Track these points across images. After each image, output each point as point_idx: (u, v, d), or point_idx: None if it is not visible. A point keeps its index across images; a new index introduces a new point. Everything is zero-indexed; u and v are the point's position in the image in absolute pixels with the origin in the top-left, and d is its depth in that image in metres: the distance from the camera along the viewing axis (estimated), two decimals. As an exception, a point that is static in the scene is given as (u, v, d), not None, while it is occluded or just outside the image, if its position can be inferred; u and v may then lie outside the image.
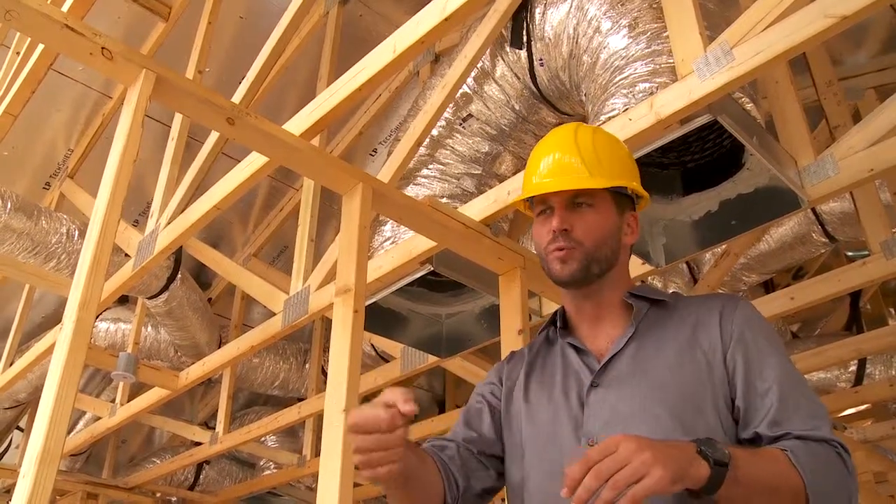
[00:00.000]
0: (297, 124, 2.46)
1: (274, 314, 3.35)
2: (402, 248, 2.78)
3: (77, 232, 3.96)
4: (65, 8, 2.71)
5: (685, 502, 1.04)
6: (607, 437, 1.08)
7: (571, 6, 2.61)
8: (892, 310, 5.30)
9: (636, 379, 1.19)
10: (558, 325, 1.36)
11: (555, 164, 1.31)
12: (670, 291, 1.46)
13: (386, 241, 3.05)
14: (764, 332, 1.22)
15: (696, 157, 2.52)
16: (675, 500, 1.06)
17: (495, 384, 1.40)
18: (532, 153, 1.39)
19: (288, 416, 4.84)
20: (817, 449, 1.09)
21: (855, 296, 4.76)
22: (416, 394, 6.54)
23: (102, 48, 1.93)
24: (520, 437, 1.28)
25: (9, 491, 6.39)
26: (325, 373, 5.43)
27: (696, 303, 1.29)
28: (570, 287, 1.30)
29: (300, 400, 5.18)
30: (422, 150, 3.12)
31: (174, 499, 6.72)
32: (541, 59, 2.79)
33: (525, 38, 2.82)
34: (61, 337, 1.70)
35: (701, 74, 1.95)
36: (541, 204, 1.32)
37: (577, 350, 1.29)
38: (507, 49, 2.90)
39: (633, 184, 1.32)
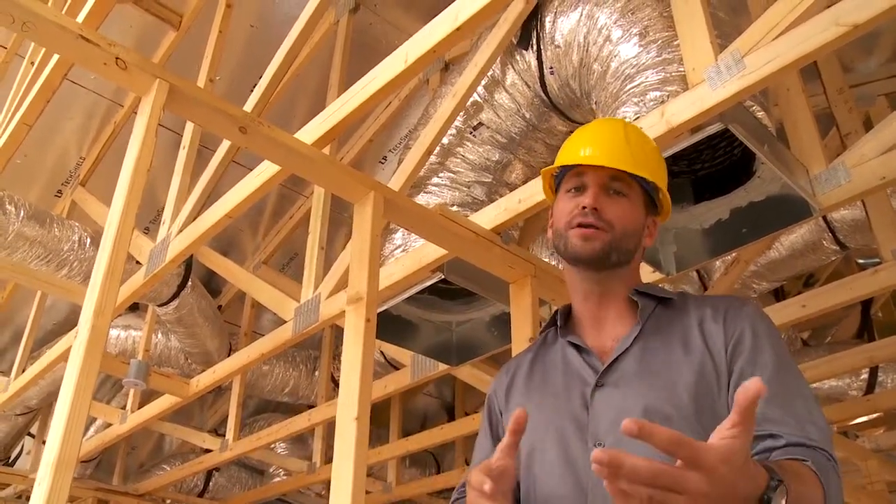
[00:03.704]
0: (309, 133, 2.47)
1: (284, 322, 3.36)
2: (412, 256, 2.78)
3: (89, 239, 3.98)
4: (80, 18, 2.73)
5: None
6: (616, 439, 1.06)
7: (582, 14, 2.62)
8: (903, 317, 5.28)
9: (643, 379, 1.16)
10: (559, 324, 1.33)
11: (603, 144, 1.30)
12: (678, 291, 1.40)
13: (396, 248, 3.06)
14: (766, 334, 1.17)
15: (706, 165, 2.52)
16: None
17: (493, 411, 1.38)
18: (576, 133, 1.39)
19: (298, 423, 4.85)
20: (821, 461, 1.02)
21: (866, 303, 4.74)
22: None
23: (117, 58, 1.94)
24: (523, 443, 1.21)
25: (20, 496, 6.41)
26: (334, 380, 5.43)
27: (703, 303, 1.26)
28: (584, 267, 1.27)
29: (310, 407, 5.18)
30: (432, 158, 3.13)
31: (184, 505, 6.74)
32: (551, 68, 2.79)
33: (535, 45, 2.82)
34: (76, 345, 1.71)
35: (712, 83, 1.95)
36: (574, 179, 1.30)
37: (578, 349, 1.26)
38: (518, 57, 2.91)
39: (665, 190, 1.33)
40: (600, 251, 1.24)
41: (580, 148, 1.32)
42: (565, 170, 1.34)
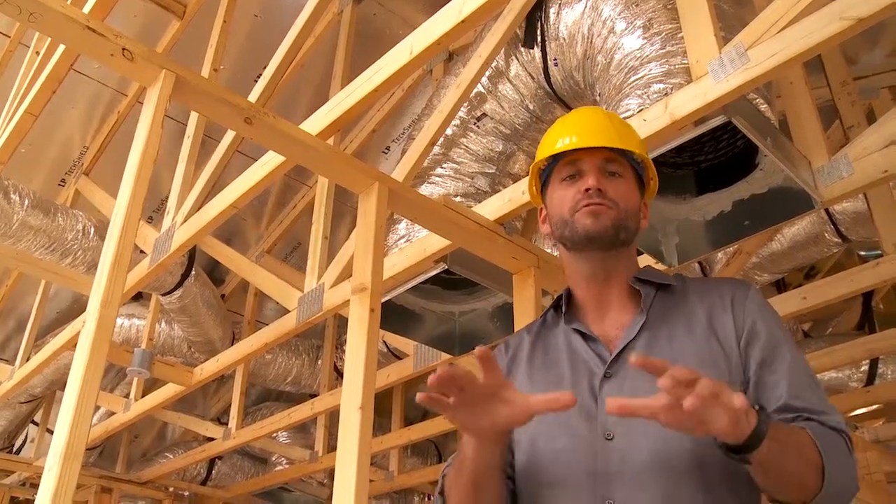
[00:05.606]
0: (314, 124, 2.48)
1: (287, 311, 3.38)
2: (416, 246, 2.79)
3: (93, 228, 3.99)
4: (86, 9, 2.73)
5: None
6: (625, 429, 1.09)
7: (586, 6, 2.62)
8: (904, 309, 5.29)
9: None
10: (563, 309, 1.33)
11: (590, 128, 1.31)
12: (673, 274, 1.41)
13: (400, 239, 3.07)
14: (776, 323, 1.21)
15: (709, 157, 2.53)
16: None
17: None
18: (554, 126, 1.38)
19: (301, 412, 4.87)
20: (830, 432, 1.09)
21: (867, 295, 4.75)
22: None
23: (123, 49, 1.95)
24: (525, 431, 1.22)
25: (24, 483, 6.45)
26: (337, 369, 5.45)
27: (704, 287, 1.28)
28: (595, 247, 1.27)
29: (312, 396, 5.20)
30: (436, 148, 3.13)
31: (186, 493, 6.77)
32: (555, 59, 2.80)
33: (539, 38, 2.83)
34: (83, 336, 1.72)
35: (716, 76, 1.95)
36: (569, 167, 1.31)
37: (584, 336, 1.25)
38: (521, 48, 2.91)
39: (653, 167, 1.36)
40: (611, 227, 1.25)
41: (566, 137, 1.32)
42: (554, 163, 1.34)
